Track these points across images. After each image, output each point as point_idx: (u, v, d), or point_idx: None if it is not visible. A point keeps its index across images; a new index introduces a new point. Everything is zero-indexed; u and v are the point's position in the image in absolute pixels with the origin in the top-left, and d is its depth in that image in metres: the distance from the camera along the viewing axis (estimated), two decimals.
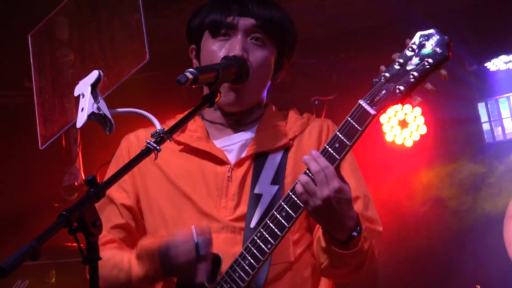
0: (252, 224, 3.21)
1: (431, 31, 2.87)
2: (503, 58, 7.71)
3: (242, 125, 3.46)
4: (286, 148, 3.38)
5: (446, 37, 2.85)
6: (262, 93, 3.48)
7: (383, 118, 8.02)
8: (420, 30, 2.89)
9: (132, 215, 3.42)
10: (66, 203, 7.82)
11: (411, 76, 2.85)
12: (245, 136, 3.42)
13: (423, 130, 8.02)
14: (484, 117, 7.98)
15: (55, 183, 8.10)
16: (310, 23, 7.49)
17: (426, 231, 8.05)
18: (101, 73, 2.70)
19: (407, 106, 7.95)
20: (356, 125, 2.90)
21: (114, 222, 3.39)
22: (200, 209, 3.28)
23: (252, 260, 3.04)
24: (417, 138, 8.04)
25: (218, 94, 3.01)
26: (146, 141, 2.71)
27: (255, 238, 3.05)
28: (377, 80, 2.91)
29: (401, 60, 2.88)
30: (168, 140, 3.36)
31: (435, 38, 2.84)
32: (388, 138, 8.09)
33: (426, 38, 2.86)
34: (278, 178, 3.30)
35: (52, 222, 2.36)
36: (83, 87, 2.70)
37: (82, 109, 2.68)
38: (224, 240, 3.20)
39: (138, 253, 3.16)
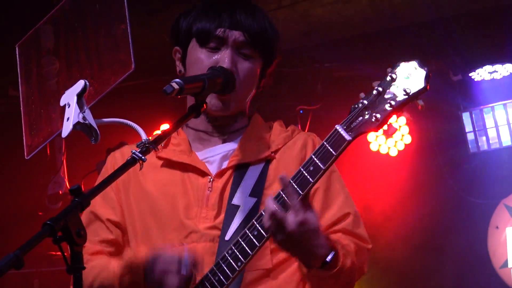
0: (227, 237, 3.20)
1: (412, 61, 2.88)
2: (488, 68, 7.75)
3: (226, 133, 3.45)
4: (268, 161, 3.38)
5: (426, 68, 2.86)
6: (247, 102, 3.48)
7: None
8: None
9: (120, 230, 3.41)
10: (51, 211, 7.80)
11: (388, 105, 2.86)
12: (228, 147, 3.42)
13: (408, 139, 8.06)
14: (468, 127, 8.02)
15: (39, 191, 8.09)
16: (296, 32, 7.50)
17: (410, 240, 8.07)
18: (87, 83, 2.70)
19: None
20: (331, 150, 2.91)
21: (102, 236, 3.38)
22: (181, 220, 3.28)
23: (222, 277, 3.05)
24: (401, 147, 8.08)
25: (204, 105, 3.01)
26: (132, 151, 2.71)
27: (226, 255, 3.05)
28: (355, 106, 2.92)
29: (380, 88, 2.89)
30: (152, 156, 3.38)
31: (415, 68, 2.86)
32: (373, 147, 8.12)
33: (406, 68, 2.87)
34: (257, 190, 3.30)
35: (36, 231, 2.35)
36: (69, 97, 2.70)
37: (68, 119, 2.68)
38: (202, 248, 3.20)
39: (126, 260, 3.16)
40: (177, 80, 2.87)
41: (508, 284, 7.74)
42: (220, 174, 3.35)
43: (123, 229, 3.41)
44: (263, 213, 2.96)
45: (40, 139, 2.96)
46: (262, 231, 2.99)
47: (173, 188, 3.35)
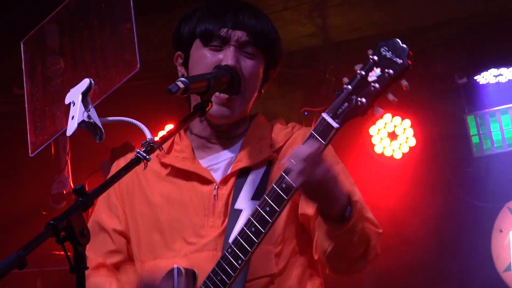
0: (231, 240, 3.14)
1: (391, 41, 2.82)
2: (493, 71, 7.74)
3: (228, 139, 3.43)
4: (270, 161, 3.36)
5: (406, 46, 2.80)
6: (250, 105, 3.47)
7: (372, 130, 8.04)
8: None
9: (124, 239, 3.42)
10: (54, 211, 7.81)
11: (372, 88, 2.80)
12: (231, 153, 3.40)
13: (412, 142, 8.04)
14: (473, 130, 8.00)
15: (43, 191, 8.09)
16: (301, 34, 7.50)
17: (413, 242, 8.06)
18: (92, 82, 2.69)
19: (397, 118, 7.97)
20: (320, 139, 2.88)
21: (106, 248, 3.41)
22: (187, 231, 3.27)
23: (223, 276, 3.01)
24: (406, 150, 8.06)
25: (210, 104, 3.00)
26: (136, 150, 2.69)
27: (226, 254, 3.01)
28: (339, 92, 2.88)
29: (363, 72, 2.84)
30: (156, 163, 3.37)
31: (396, 48, 2.80)
32: (377, 150, 8.10)
33: (386, 48, 2.81)
34: (258, 193, 3.26)
35: (39, 230, 2.34)
36: (74, 95, 2.69)
37: (73, 117, 2.67)
38: (206, 257, 3.19)
39: None
40: (182, 79, 2.85)
41: None
42: (225, 181, 3.33)
43: (127, 237, 3.42)
44: (283, 174, 2.89)
45: (45, 137, 2.96)
46: (259, 226, 2.93)
47: (178, 198, 3.34)
